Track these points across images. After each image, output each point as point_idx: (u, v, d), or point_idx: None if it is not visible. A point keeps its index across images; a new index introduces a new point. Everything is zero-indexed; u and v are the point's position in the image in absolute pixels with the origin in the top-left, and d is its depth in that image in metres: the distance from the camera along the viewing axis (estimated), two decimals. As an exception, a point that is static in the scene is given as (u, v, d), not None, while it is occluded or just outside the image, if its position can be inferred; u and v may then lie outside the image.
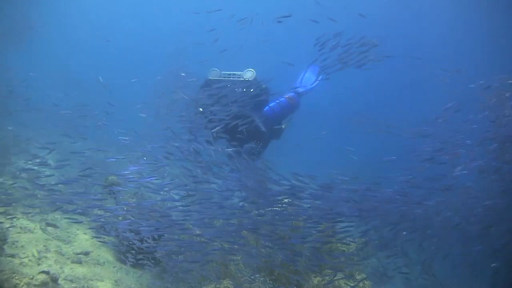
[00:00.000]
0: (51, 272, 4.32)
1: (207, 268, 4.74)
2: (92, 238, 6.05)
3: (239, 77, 5.86)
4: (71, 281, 4.80)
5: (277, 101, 6.75)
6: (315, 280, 4.47)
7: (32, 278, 4.12)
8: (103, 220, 5.88)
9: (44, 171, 6.61)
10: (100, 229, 6.02)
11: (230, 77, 5.85)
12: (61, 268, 4.98)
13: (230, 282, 4.62)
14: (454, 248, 5.99)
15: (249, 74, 5.90)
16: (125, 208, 5.15)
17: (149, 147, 5.34)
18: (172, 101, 5.99)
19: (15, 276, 4.06)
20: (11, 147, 9.90)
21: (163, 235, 4.84)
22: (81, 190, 5.70)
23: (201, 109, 5.33)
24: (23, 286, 3.98)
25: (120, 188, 6.23)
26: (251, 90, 5.50)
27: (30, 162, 8.01)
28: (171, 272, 5.02)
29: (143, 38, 27.89)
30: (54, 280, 4.30)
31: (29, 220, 5.91)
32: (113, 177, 6.71)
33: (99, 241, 5.84)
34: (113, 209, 5.43)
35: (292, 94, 7.01)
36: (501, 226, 5.76)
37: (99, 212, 6.29)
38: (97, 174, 6.01)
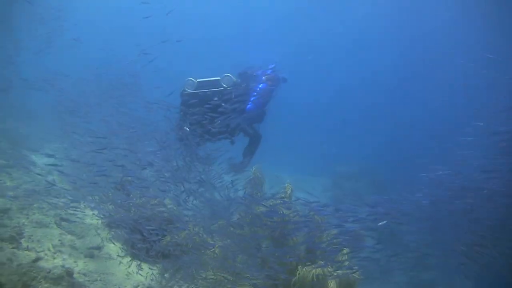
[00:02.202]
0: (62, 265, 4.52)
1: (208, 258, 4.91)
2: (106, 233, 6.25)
3: (217, 86, 5.51)
4: (85, 274, 5.01)
5: (258, 90, 6.15)
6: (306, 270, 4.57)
7: (49, 272, 4.33)
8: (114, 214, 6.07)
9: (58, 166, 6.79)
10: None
11: (208, 88, 5.49)
12: (75, 262, 5.19)
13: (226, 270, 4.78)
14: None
15: (226, 80, 5.55)
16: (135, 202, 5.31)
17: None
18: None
19: (33, 270, 4.27)
20: (25, 141, 10.17)
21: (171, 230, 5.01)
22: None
23: (187, 129, 5.21)
24: (40, 279, 4.19)
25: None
26: (232, 96, 5.34)
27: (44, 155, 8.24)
28: (181, 266, 5.21)
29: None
30: (70, 274, 4.51)
31: (44, 215, 6.14)
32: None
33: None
34: (124, 203, 5.58)
35: (269, 72, 6.60)
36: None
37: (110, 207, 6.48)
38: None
